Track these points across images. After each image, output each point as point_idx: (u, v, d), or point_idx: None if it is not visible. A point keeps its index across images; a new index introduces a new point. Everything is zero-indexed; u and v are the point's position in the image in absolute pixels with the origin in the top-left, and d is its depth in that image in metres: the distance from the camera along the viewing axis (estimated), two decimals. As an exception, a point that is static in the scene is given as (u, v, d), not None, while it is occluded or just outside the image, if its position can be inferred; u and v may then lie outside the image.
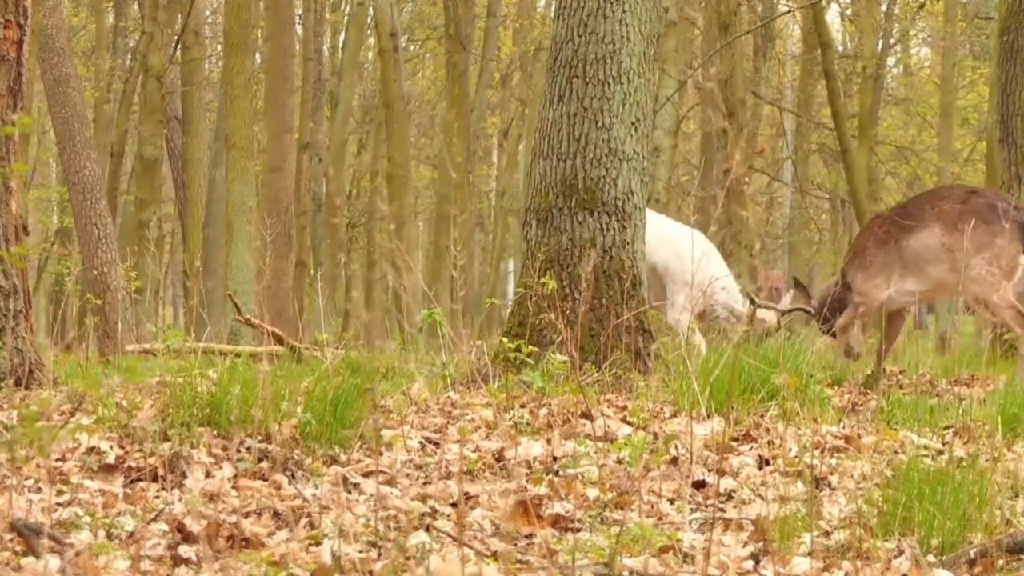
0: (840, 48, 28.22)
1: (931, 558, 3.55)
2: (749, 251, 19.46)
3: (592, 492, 4.20)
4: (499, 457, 4.65)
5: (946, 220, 8.16)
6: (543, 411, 5.34)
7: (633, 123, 7.27)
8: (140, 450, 4.24)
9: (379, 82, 24.20)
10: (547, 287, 6.87)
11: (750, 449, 4.88)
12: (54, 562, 3.06)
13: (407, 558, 3.37)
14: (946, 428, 5.44)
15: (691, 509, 4.12)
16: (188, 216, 22.60)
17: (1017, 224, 8.38)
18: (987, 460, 4.23)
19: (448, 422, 5.23)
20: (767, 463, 4.67)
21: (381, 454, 4.54)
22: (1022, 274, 8.41)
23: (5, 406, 5.10)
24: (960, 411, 5.72)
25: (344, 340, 8.84)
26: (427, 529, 3.65)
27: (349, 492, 4.13)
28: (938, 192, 8.85)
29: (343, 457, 4.44)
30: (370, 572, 3.29)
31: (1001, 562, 3.44)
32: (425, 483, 4.31)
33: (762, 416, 5.33)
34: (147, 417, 4.33)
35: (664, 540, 3.61)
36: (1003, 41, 9.60)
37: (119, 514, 3.72)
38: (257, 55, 22.94)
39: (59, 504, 3.79)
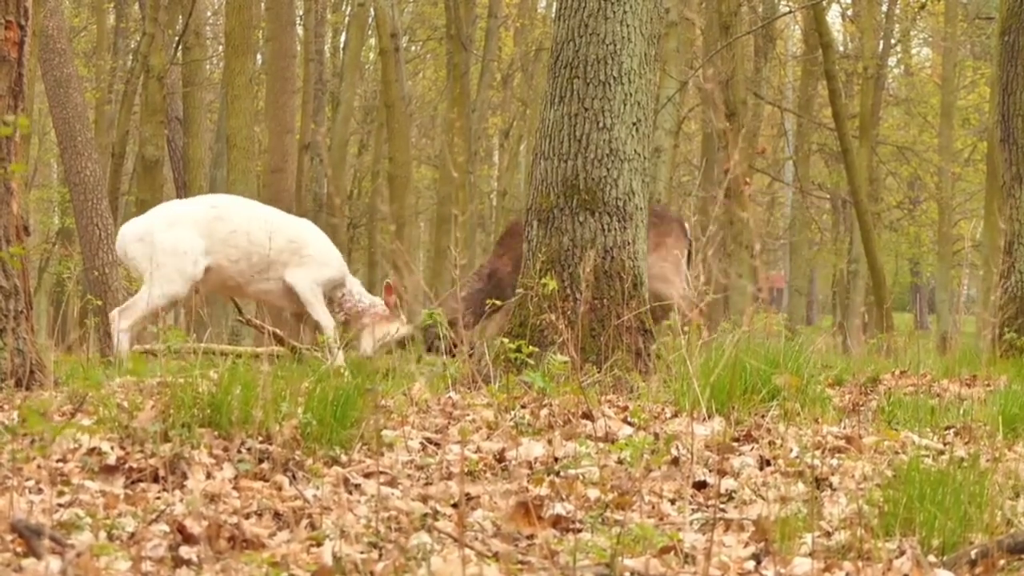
0: (841, 48, 28.23)
1: (932, 558, 3.55)
2: (749, 252, 19.47)
3: (593, 493, 4.20)
4: (500, 458, 4.65)
5: None
6: (544, 412, 5.33)
7: (634, 124, 7.27)
8: (141, 451, 4.23)
9: (380, 83, 24.21)
10: (548, 287, 6.87)
11: (751, 449, 4.88)
12: (55, 563, 3.05)
13: (408, 559, 3.37)
14: (947, 428, 5.45)
15: (692, 509, 4.12)
16: (189, 217, 22.55)
17: (678, 224, 9.30)
18: (988, 460, 4.24)
19: (449, 423, 5.23)
20: (768, 463, 4.67)
21: (382, 455, 4.54)
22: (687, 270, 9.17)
23: (6, 407, 5.09)
24: (961, 411, 5.72)
25: (345, 340, 8.85)
26: (428, 530, 3.65)
27: (350, 493, 4.13)
28: None
29: (344, 458, 4.43)
30: (371, 573, 3.29)
31: (1002, 562, 3.43)
32: (426, 484, 4.30)
33: (763, 416, 5.32)
34: (148, 418, 4.33)
35: (665, 540, 3.61)
36: (1004, 41, 9.59)
37: (120, 515, 3.72)
38: (258, 56, 22.96)
39: (60, 505, 3.79)
